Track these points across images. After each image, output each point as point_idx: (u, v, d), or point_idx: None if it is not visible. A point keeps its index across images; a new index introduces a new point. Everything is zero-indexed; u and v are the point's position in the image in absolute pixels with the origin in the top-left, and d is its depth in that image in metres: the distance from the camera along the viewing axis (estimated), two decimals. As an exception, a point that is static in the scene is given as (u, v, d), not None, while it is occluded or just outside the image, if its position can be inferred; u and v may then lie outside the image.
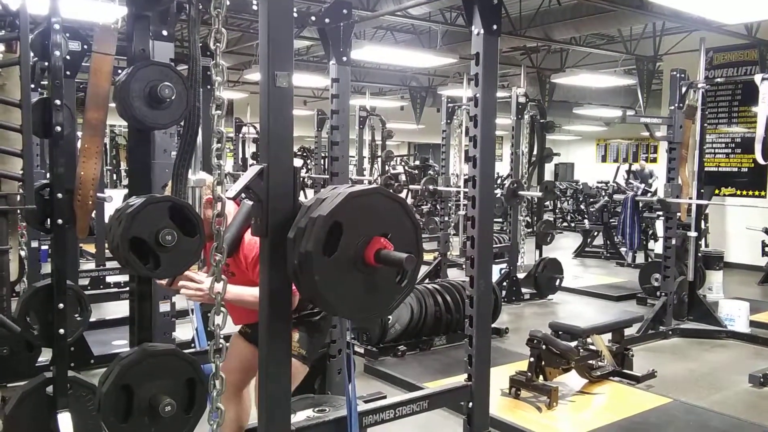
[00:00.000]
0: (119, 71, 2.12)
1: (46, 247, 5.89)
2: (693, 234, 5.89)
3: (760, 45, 8.96)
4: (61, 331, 2.69)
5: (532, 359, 4.10)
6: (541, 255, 7.46)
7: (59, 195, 2.68)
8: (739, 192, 9.54)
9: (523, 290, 7.12)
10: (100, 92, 2.64)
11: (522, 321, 6.34)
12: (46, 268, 3.43)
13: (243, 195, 1.77)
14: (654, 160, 17.70)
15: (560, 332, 4.38)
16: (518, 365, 4.31)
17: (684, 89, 5.78)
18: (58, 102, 2.63)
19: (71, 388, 2.78)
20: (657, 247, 9.35)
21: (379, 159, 11.67)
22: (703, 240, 8.12)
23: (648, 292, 7.06)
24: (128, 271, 2.06)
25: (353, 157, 10.66)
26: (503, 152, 18.67)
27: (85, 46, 3.93)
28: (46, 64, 2.65)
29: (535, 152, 8.02)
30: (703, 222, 7.85)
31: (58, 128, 2.65)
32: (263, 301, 1.84)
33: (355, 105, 9.95)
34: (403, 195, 12.58)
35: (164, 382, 1.84)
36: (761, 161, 4.71)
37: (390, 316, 4.91)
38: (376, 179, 10.90)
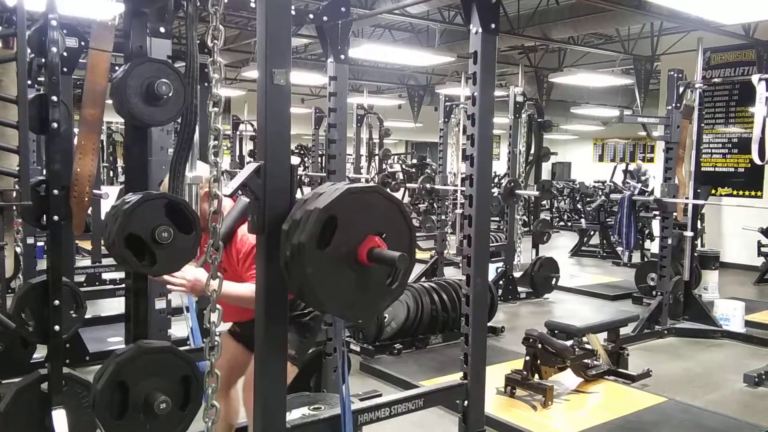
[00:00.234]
0: (116, 68, 2.12)
1: (41, 243, 5.85)
2: (689, 234, 5.90)
3: (758, 45, 8.98)
4: (57, 327, 2.69)
5: (527, 358, 4.10)
6: (537, 254, 7.47)
7: (55, 191, 2.68)
8: (735, 192, 9.57)
9: (520, 289, 7.13)
10: (97, 89, 2.64)
11: (518, 320, 6.35)
12: (42, 264, 3.42)
13: (240, 192, 1.77)
14: (651, 160, 17.70)
15: (556, 331, 4.39)
16: (514, 364, 4.32)
17: (681, 89, 5.79)
18: (54, 98, 2.63)
19: (66, 384, 2.77)
20: (653, 246, 9.37)
21: (377, 157, 11.67)
22: (699, 240, 8.14)
23: (644, 291, 7.07)
24: (124, 267, 2.06)
25: (350, 155, 10.67)
26: (500, 151, 18.69)
27: (82, 43, 3.92)
28: (43, 60, 2.64)
29: (532, 151, 8.02)
30: (699, 222, 7.86)
31: (55, 125, 2.65)
32: (259, 298, 1.84)
33: (352, 103, 9.95)
34: (400, 193, 12.60)
35: (159, 380, 1.84)
36: (758, 161, 4.72)
37: (386, 315, 4.91)
38: (374, 177, 10.90)
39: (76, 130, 3.14)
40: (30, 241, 4.76)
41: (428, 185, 8.13)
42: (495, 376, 4.07)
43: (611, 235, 10.14)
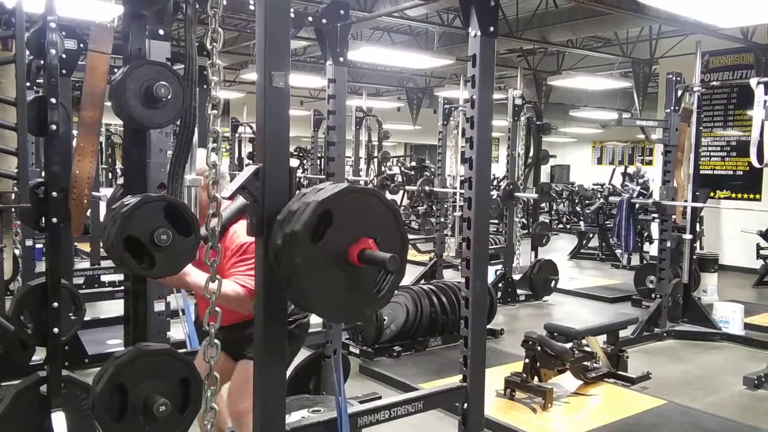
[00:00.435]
0: (115, 70, 2.12)
1: (40, 245, 5.87)
2: (688, 236, 5.90)
3: (756, 49, 8.99)
4: (56, 330, 2.68)
5: (527, 360, 4.10)
6: (536, 256, 7.47)
7: (54, 194, 2.68)
8: (734, 195, 9.58)
9: (519, 291, 7.13)
10: (95, 91, 2.64)
11: (517, 322, 6.35)
12: (41, 266, 3.42)
13: (239, 194, 1.77)
14: (650, 163, 17.72)
15: (555, 334, 4.39)
16: (513, 366, 4.31)
17: (680, 92, 5.80)
18: (53, 100, 2.63)
19: (65, 387, 2.77)
20: (652, 249, 9.38)
21: (376, 160, 11.67)
22: (698, 242, 8.14)
23: (643, 294, 7.07)
24: (123, 270, 2.06)
25: (349, 157, 10.68)
26: (499, 154, 18.69)
27: (81, 45, 3.92)
28: (42, 62, 2.65)
29: (531, 154, 8.04)
30: (698, 224, 7.87)
31: (54, 127, 2.64)
32: (258, 300, 1.84)
33: (351, 105, 9.95)
34: (398, 196, 12.60)
35: (159, 382, 1.84)
36: (756, 164, 4.72)
37: (385, 317, 4.91)
38: (372, 180, 10.90)
39: (74, 132, 3.14)
40: (29, 243, 4.76)
41: (427, 188, 8.12)
42: (494, 378, 4.06)
43: (610, 238, 10.14)
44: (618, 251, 9.97)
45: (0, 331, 3.39)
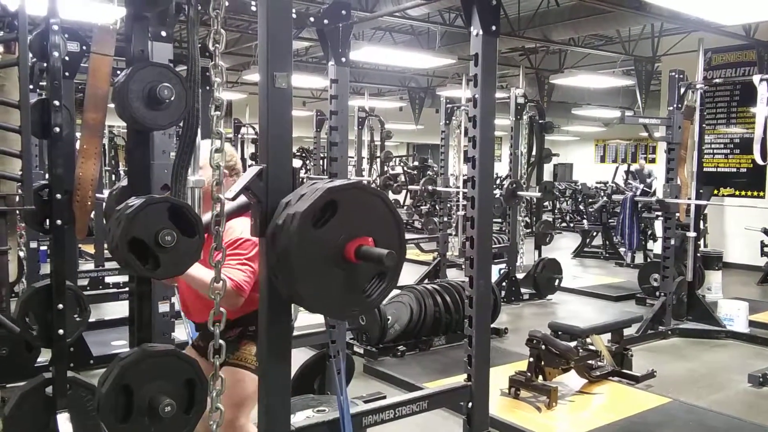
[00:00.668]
0: (118, 72, 2.12)
1: (45, 247, 5.87)
2: (692, 234, 5.89)
3: (759, 46, 8.97)
4: (61, 331, 2.69)
5: (531, 359, 4.10)
6: (540, 255, 7.47)
7: (58, 196, 2.68)
8: (737, 192, 9.56)
9: (523, 290, 7.13)
10: (98, 93, 2.64)
11: (521, 321, 6.34)
12: (45, 268, 3.43)
13: (242, 195, 1.77)
14: (653, 161, 17.72)
15: (559, 332, 4.39)
16: (518, 365, 4.31)
17: (683, 90, 5.79)
18: (56, 103, 2.63)
19: (71, 388, 2.78)
20: (656, 247, 9.36)
21: (378, 159, 11.68)
22: (702, 240, 8.13)
23: (647, 292, 7.07)
24: (127, 271, 2.06)
25: (352, 157, 10.68)
26: (502, 153, 18.65)
27: (84, 47, 3.93)
28: (45, 64, 2.65)
29: (534, 153, 8.03)
30: (702, 222, 7.86)
31: (57, 129, 2.65)
32: (262, 301, 1.85)
33: (354, 106, 9.96)
34: (402, 195, 12.60)
35: (164, 383, 1.84)
36: (760, 162, 4.72)
37: (389, 317, 4.91)
38: (375, 180, 10.90)
39: (78, 135, 3.15)
40: (33, 245, 4.77)
41: (430, 187, 8.12)
42: (499, 377, 4.06)
43: (614, 236, 10.13)
44: (622, 249, 9.94)
45: (5, 333, 3.39)
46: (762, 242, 8.60)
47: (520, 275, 7.20)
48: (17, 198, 2.93)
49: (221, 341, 1.84)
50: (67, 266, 2.86)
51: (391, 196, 11.33)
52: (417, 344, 5.11)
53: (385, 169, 11.98)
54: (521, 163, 7.27)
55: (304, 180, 10.87)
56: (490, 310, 2.89)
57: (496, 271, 6.96)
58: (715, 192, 9.46)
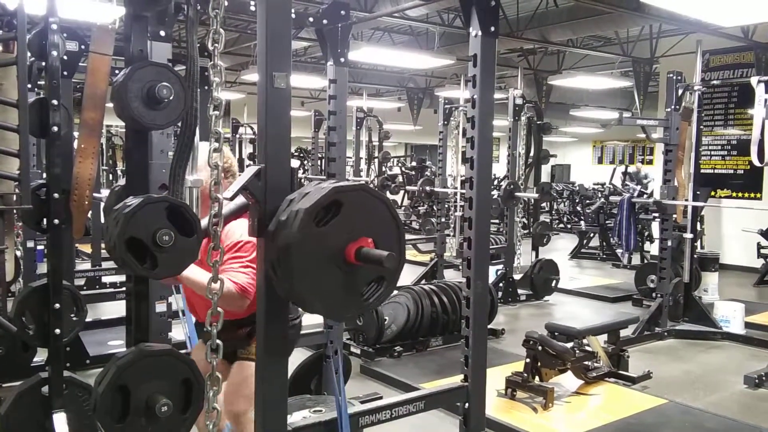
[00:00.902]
0: (116, 72, 2.12)
1: (42, 247, 5.87)
2: (689, 236, 5.90)
3: (757, 47, 8.99)
4: (57, 331, 2.69)
5: (528, 360, 4.11)
6: (537, 256, 7.47)
7: (56, 195, 2.68)
8: (734, 194, 9.58)
9: (520, 291, 7.13)
10: (97, 92, 2.64)
11: (518, 322, 6.35)
12: (42, 268, 3.43)
13: (240, 195, 1.77)
14: (650, 162, 17.73)
15: (556, 333, 4.39)
16: (514, 366, 4.32)
17: (680, 91, 5.80)
18: (55, 102, 2.63)
19: (67, 388, 2.77)
20: (653, 248, 9.38)
21: (376, 160, 11.68)
22: (698, 242, 8.14)
23: (644, 293, 7.07)
24: (125, 271, 2.06)
25: (350, 158, 10.69)
26: (500, 154, 18.70)
27: (83, 47, 3.93)
28: (44, 64, 2.65)
29: (531, 154, 8.04)
30: (698, 224, 7.87)
31: (55, 128, 2.65)
32: (260, 301, 1.85)
33: (352, 106, 9.95)
34: (399, 196, 12.60)
35: (160, 383, 1.84)
36: (757, 163, 4.72)
37: (386, 317, 4.92)
38: (373, 180, 10.91)
39: (76, 134, 3.14)
40: (30, 244, 4.76)
41: (428, 188, 8.13)
42: (495, 378, 4.07)
43: (611, 237, 10.14)
44: (619, 251, 9.97)
45: (2, 333, 3.39)
46: (758, 244, 8.62)
47: (517, 276, 7.21)
48: (15, 197, 2.92)
49: (219, 341, 1.83)
50: (64, 266, 2.85)
51: (389, 196, 11.34)
52: (414, 345, 5.11)
53: (383, 169, 11.98)
54: (519, 164, 7.28)
55: (303, 180, 10.90)
56: (487, 310, 2.89)
57: (493, 272, 6.97)
58: (712, 193, 9.48)
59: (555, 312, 6.90)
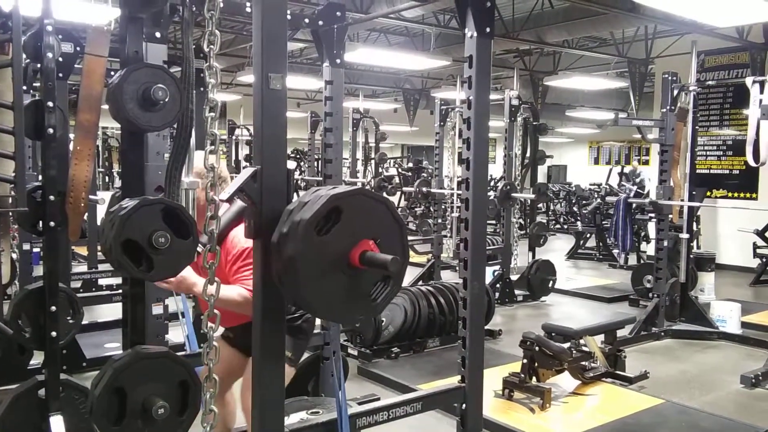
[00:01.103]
0: (112, 73, 2.12)
1: (38, 249, 5.87)
2: (685, 236, 5.91)
3: (751, 48, 9.02)
4: (53, 333, 2.68)
5: (525, 361, 4.11)
6: (534, 257, 7.48)
7: (51, 197, 2.68)
8: (730, 194, 9.60)
9: (516, 292, 7.14)
10: (92, 94, 2.64)
11: (515, 323, 6.35)
12: (38, 270, 3.42)
13: (236, 197, 1.77)
14: (646, 163, 17.76)
15: (553, 334, 4.39)
16: (511, 367, 4.32)
17: (676, 92, 5.82)
18: (50, 104, 2.63)
19: (63, 390, 2.77)
20: (649, 248, 9.40)
21: (373, 161, 11.68)
22: (695, 242, 8.16)
23: (640, 293, 7.08)
24: (121, 273, 2.06)
25: (347, 159, 10.69)
26: (496, 154, 18.71)
27: (78, 48, 3.92)
28: (39, 65, 2.64)
29: (528, 154, 8.05)
30: (694, 224, 7.88)
31: (51, 130, 2.64)
32: (256, 302, 1.84)
33: (348, 107, 9.95)
34: (396, 197, 12.59)
35: (157, 385, 1.84)
36: (752, 163, 4.73)
37: (383, 318, 4.91)
38: (370, 182, 10.91)
39: (72, 136, 3.14)
40: (26, 247, 4.75)
41: (424, 189, 8.12)
42: (493, 379, 4.06)
43: (607, 238, 10.16)
44: (615, 251, 9.97)
45: (-2, 335, 3.38)
46: (754, 244, 8.64)
47: (514, 277, 7.21)
48: (10, 199, 2.92)
49: (215, 343, 1.83)
50: (60, 268, 2.85)
51: (386, 197, 11.31)
52: (411, 346, 5.11)
53: (380, 170, 11.98)
54: (515, 164, 7.29)
55: (299, 182, 10.88)
56: (484, 311, 2.90)
57: (490, 272, 6.97)
58: (708, 194, 9.51)
59: (552, 312, 6.90)
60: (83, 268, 7.16)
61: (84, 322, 3.64)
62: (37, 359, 3.64)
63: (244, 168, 2.27)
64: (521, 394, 4.08)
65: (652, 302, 5.84)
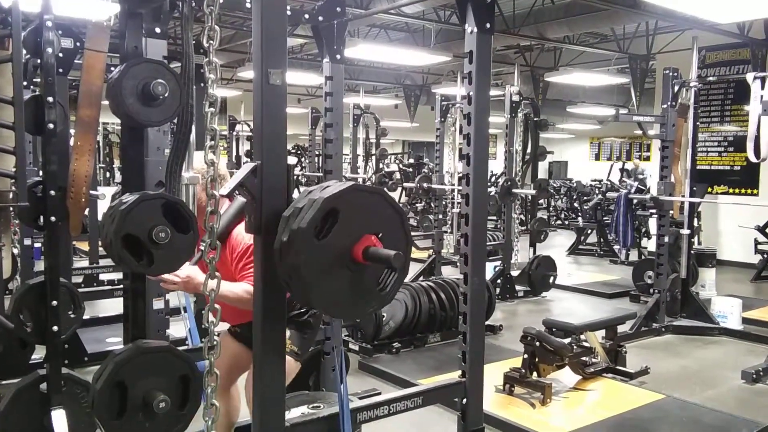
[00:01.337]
0: (112, 68, 2.12)
1: (39, 244, 5.87)
2: (686, 232, 5.91)
3: (752, 44, 9.00)
4: (55, 328, 2.69)
5: (525, 356, 4.11)
6: (534, 252, 7.48)
7: (52, 192, 2.68)
8: (731, 190, 9.59)
9: (517, 287, 7.14)
10: (92, 89, 2.64)
11: (516, 318, 6.36)
12: (39, 265, 3.43)
13: (236, 192, 1.77)
14: (647, 159, 17.75)
15: (554, 329, 4.40)
16: (512, 362, 4.32)
17: (677, 88, 5.80)
18: (50, 99, 2.63)
19: (65, 385, 2.77)
20: (650, 244, 9.40)
21: (374, 157, 11.67)
22: (695, 238, 8.16)
23: (641, 289, 7.09)
24: (122, 268, 2.06)
25: (347, 155, 10.66)
26: (497, 150, 18.69)
27: (78, 44, 3.92)
28: (39, 61, 2.65)
29: (528, 150, 8.04)
30: (695, 220, 7.88)
31: (51, 125, 2.65)
32: (257, 298, 1.85)
33: (349, 103, 9.94)
34: (397, 193, 12.60)
35: (158, 379, 1.85)
36: (753, 159, 4.73)
37: (384, 314, 4.92)
38: (371, 177, 10.90)
39: (72, 131, 3.14)
40: (27, 242, 4.76)
41: (425, 185, 8.13)
42: (493, 374, 4.07)
43: (608, 234, 10.16)
44: (616, 247, 9.99)
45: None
46: (755, 239, 8.64)
47: (514, 272, 7.22)
48: (11, 194, 2.92)
49: (216, 338, 1.83)
50: (61, 263, 2.85)
51: (387, 193, 11.31)
52: (412, 341, 5.12)
53: (381, 166, 11.97)
54: (516, 160, 7.28)
55: (300, 177, 10.88)
56: (485, 307, 2.90)
57: (490, 268, 6.98)
58: (709, 190, 9.49)
59: (553, 308, 6.91)
60: (84, 263, 7.17)
61: (85, 316, 3.65)
62: (39, 354, 3.65)
63: (244, 164, 2.29)
64: (522, 389, 4.09)
65: (652, 298, 5.84)
